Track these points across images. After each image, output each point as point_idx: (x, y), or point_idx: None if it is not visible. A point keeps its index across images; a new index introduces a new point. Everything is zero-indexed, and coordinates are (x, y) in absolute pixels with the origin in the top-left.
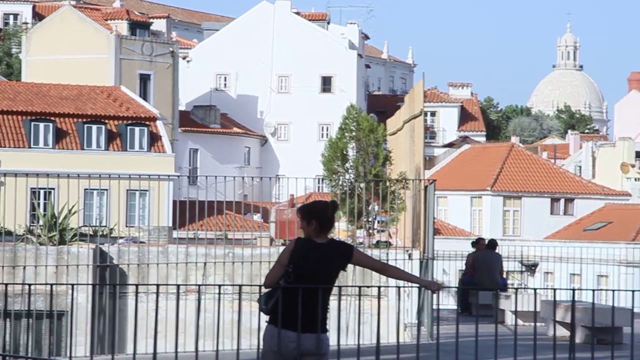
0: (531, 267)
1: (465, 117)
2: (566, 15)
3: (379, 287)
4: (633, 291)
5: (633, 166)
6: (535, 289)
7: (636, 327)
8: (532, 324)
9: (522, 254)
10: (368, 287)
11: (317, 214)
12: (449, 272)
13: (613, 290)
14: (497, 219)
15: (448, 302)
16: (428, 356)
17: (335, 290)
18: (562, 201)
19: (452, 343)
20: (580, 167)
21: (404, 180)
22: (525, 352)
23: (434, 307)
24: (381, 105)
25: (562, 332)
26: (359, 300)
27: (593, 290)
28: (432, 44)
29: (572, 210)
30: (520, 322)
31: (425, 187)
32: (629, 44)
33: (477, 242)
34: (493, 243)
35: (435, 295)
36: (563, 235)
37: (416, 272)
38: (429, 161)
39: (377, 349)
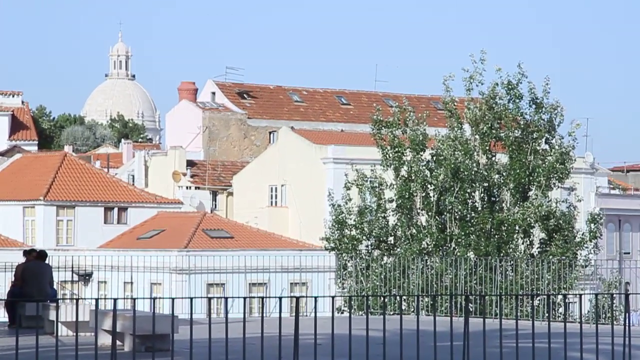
0: (85, 277)
1: (16, 126)
2: (117, 24)
3: None
4: (173, 299)
5: (184, 174)
6: (77, 299)
7: (184, 333)
8: (82, 334)
9: (76, 264)
10: None
11: None
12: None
13: (152, 299)
14: (50, 228)
15: None
16: None
17: None
18: (115, 210)
19: None
20: (133, 176)
21: None
22: None
23: None
24: None
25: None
26: None
27: (134, 299)
28: None
29: (126, 218)
30: (70, 332)
31: None
32: (180, 53)
33: (29, 253)
34: (43, 254)
35: None
36: (117, 244)
37: None
38: None
39: None
